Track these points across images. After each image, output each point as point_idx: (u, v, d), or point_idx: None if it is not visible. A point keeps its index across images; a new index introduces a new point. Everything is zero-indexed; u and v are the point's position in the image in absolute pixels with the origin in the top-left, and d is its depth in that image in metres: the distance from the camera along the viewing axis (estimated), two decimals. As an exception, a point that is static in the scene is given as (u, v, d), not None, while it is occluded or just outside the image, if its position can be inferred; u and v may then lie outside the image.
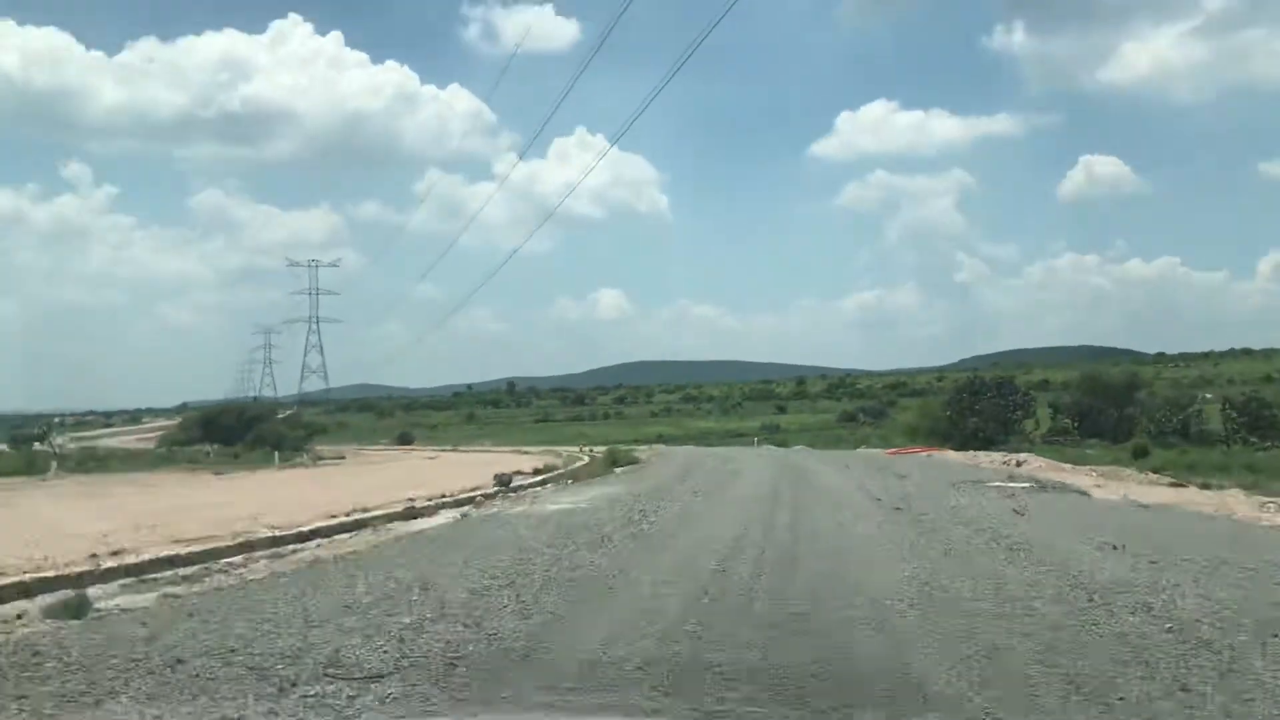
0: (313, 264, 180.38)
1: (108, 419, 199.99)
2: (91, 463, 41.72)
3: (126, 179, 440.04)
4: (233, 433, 62.65)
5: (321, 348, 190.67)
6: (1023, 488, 19.95)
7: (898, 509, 15.60)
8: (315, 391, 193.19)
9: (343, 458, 52.59)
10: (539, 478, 24.82)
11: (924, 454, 33.83)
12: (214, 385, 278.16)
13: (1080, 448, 35.49)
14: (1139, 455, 30.03)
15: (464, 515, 16.24)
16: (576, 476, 26.28)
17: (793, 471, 24.85)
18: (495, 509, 17.30)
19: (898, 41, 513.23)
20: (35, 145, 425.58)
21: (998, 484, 20.94)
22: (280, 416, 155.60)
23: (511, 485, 21.11)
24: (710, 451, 38.99)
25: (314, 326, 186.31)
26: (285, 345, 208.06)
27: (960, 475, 23.44)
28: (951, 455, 32.35)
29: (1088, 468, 26.00)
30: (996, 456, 29.85)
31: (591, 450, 48.10)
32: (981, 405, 38.00)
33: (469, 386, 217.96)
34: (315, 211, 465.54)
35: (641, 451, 40.31)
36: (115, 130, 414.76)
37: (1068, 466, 26.52)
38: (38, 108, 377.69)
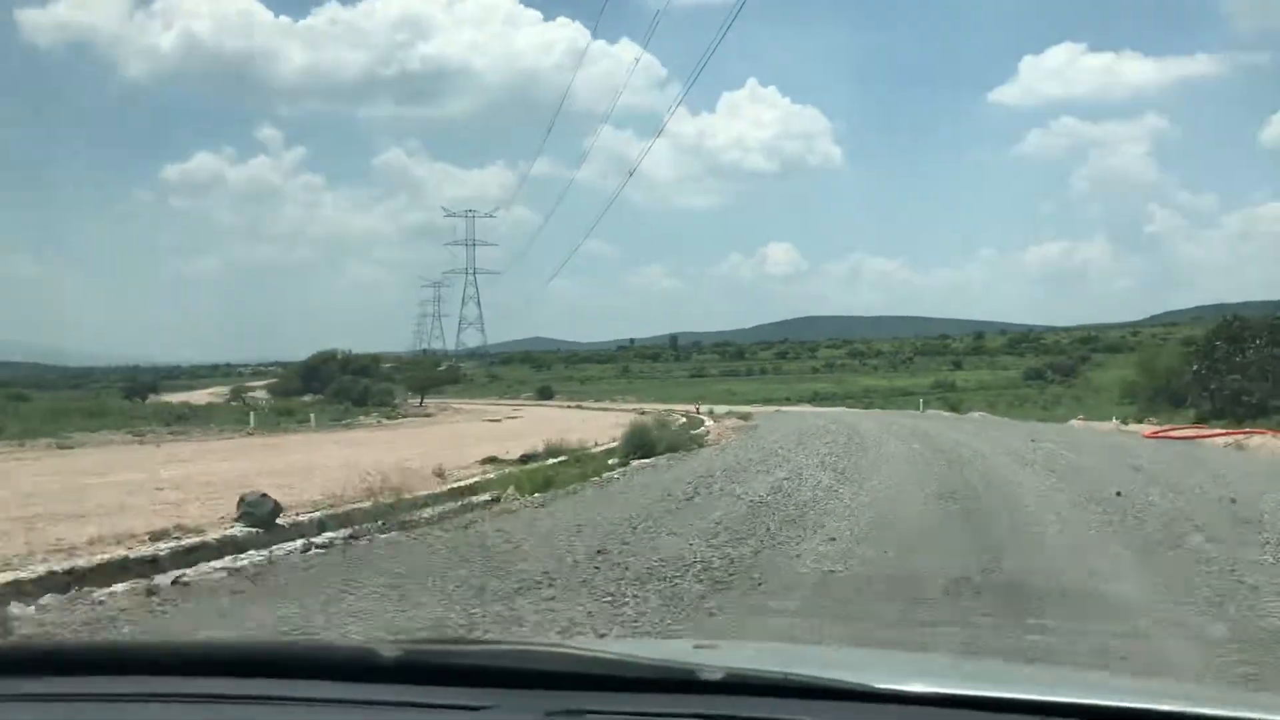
0: (469, 214, 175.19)
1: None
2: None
3: (314, 140, 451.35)
4: (331, 384, 55.75)
5: (479, 300, 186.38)
6: None
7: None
8: (475, 345, 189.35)
9: (430, 415, 44.36)
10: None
11: (1225, 438, 20.97)
12: (395, 338, 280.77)
13: None
14: None
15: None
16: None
17: (969, 502, 11.11)
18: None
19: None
20: (229, 109, 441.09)
21: None
22: (442, 369, 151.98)
23: (277, 522, 8.78)
24: (844, 423, 28.40)
25: (470, 279, 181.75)
26: (453, 298, 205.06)
27: None
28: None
29: None
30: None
31: (709, 411, 38.56)
32: (1249, 358, 25.75)
33: (632, 341, 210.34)
34: (491, 169, 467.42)
35: (722, 424, 29.97)
36: (303, 92, 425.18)
37: None
38: (230, 72, 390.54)
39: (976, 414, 42.11)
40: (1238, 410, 24.92)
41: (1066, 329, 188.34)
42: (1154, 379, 34.12)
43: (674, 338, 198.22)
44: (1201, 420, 25.72)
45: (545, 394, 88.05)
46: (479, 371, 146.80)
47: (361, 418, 37.42)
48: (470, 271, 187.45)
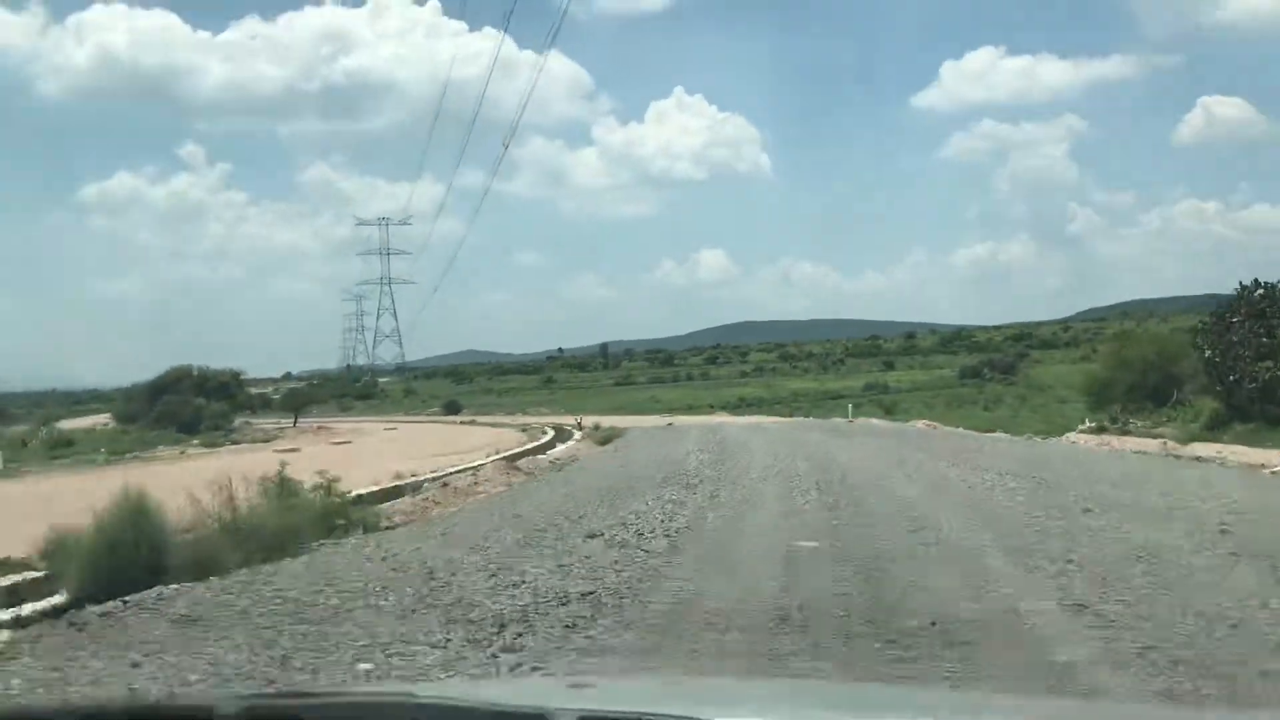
0: (383, 222, 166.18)
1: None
2: None
3: (237, 156, 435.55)
4: (181, 406, 47.51)
5: (395, 312, 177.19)
6: None
7: None
8: (392, 358, 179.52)
9: (271, 439, 36.47)
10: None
11: None
12: (325, 355, 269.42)
13: None
14: None
15: None
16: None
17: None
18: None
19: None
20: (149, 126, 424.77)
21: None
22: (359, 384, 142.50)
23: None
24: (733, 446, 21.05)
25: (386, 289, 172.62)
26: (375, 311, 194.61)
27: None
28: None
29: None
30: None
31: (594, 426, 31.64)
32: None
33: (560, 350, 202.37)
34: (418, 182, 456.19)
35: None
36: (224, 108, 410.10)
37: None
38: (149, 88, 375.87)
39: (920, 423, 35.37)
40: (1270, 409, 18.12)
41: (997, 327, 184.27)
42: (1130, 373, 27.38)
43: (604, 346, 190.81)
44: (1218, 423, 18.97)
45: (452, 409, 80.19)
46: (396, 387, 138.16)
47: (161, 449, 29.65)
48: (385, 282, 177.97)
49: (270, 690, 4.46)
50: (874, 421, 39.11)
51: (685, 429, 32.20)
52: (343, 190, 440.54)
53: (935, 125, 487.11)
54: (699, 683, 3.85)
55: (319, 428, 54.64)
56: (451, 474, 15.98)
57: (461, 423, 54.93)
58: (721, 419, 46.27)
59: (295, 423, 58.05)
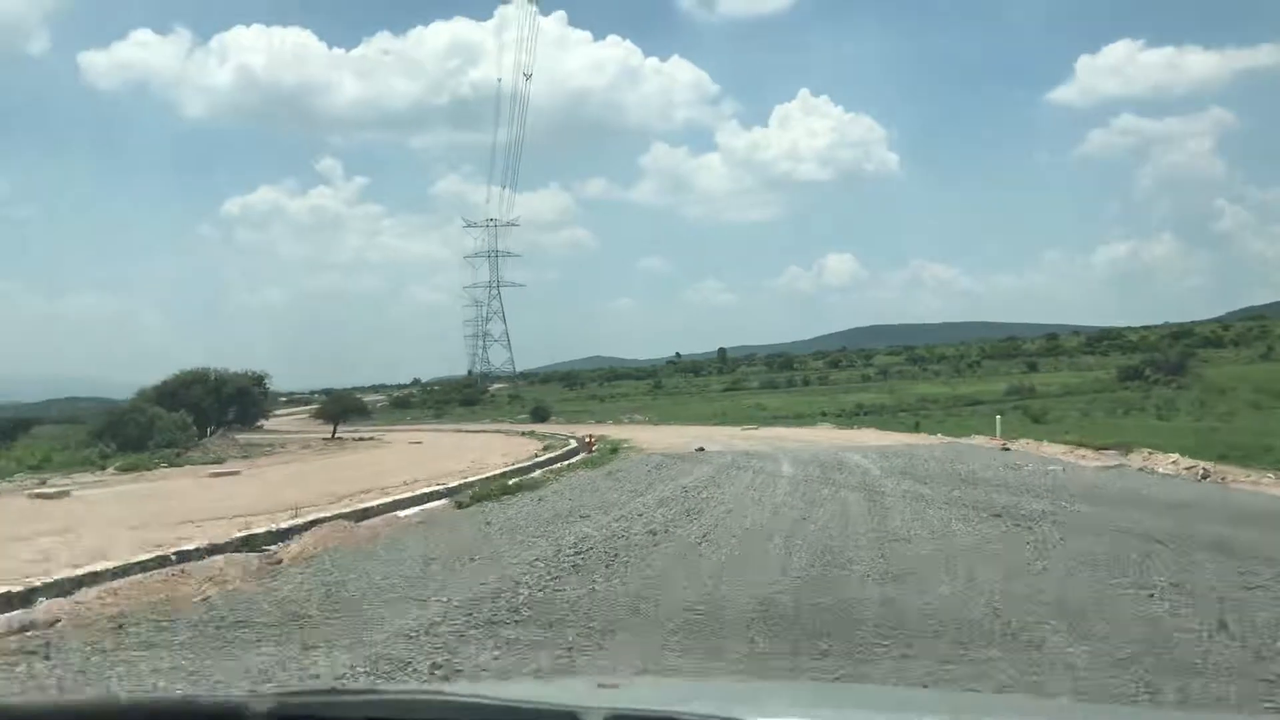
0: (491, 224, 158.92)
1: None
2: None
3: (372, 169, 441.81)
4: (202, 414, 40.01)
5: (504, 315, 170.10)
6: None
7: None
8: (502, 362, 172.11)
9: (220, 462, 27.96)
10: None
11: None
12: (456, 362, 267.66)
13: None
14: None
15: None
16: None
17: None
18: None
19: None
20: (287, 141, 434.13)
21: None
22: (467, 389, 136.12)
23: None
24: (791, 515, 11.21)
25: (495, 292, 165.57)
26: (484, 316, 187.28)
27: None
28: None
29: None
30: None
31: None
32: None
33: (678, 355, 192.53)
34: (544, 191, 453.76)
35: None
36: (358, 122, 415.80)
37: None
38: (287, 104, 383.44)
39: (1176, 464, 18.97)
40: None
41: (1147, 327, 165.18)
42: None
43: (722, 351, 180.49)
44: None
45: (539, 415, 71.67)
46: (503, 393, 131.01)
47: (63, 477, 21.33)
48: (494, 286, 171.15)
49: (300, 688, 4.39)
50: (1053, 461, 21.30)
51: (711, 457, 22.76)
52: (473, 201, 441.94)
53: (1071, 121, 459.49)
54: (726, 683, 4.05)
55: (360, 437, 46.74)
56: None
57: (518, 433, 46.04)
58: (809, 434, 35.47)
59: (334, 434, 50.19)
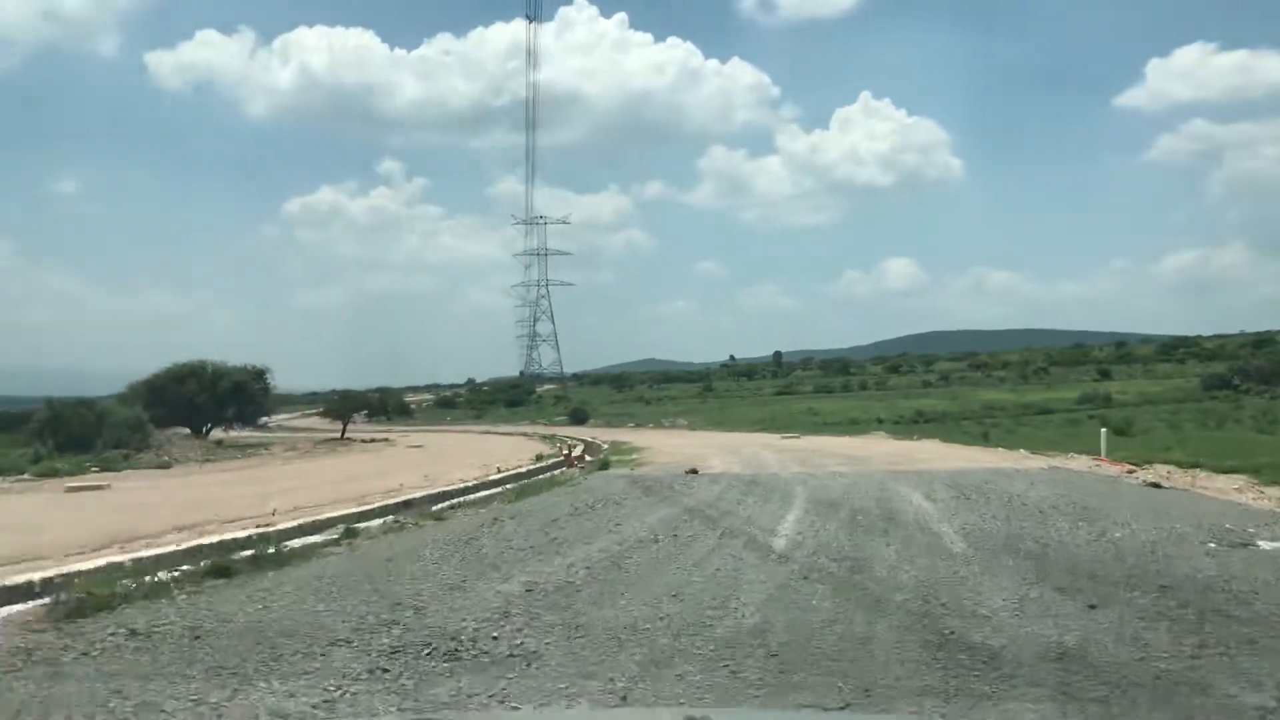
0: (540, 221, 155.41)
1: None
2: None
3: (431, 170, 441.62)
4: (197, 410, 36.52)
5: (552, 315, 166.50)
6: None
7: None
8: (549, 362, 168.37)
9: (167, 466, 24.15)
10: None
11: None
12: (511, 363, 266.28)
13: None
14: None
15: None
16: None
17: None
18: None
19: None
20: (348, 142, 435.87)
21: None
22: (515, 390, 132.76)
23: None
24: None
25: (543, 290, 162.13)
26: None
27: None
28: None
29: None
30: None
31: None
32: None
33: (732, 358, 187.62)
34: (604, 194, 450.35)
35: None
36: (418, 123, 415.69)
37: None
38: (348, 105, 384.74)
39: None
40: None
41: (1223, 336, 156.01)
42: None
43: (777, 354, 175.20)
44: None
45: (578, 417, 67.79)
46: (549, 394, 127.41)
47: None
48: (542, 284, 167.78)
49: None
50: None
51: (693, 489, 16.21)
52: (532, 202, 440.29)
53: (1140, 126, 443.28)
54: (814, 715, 3.83)
55: (369, 439, 43.08)
56: None
57: (526, 436, 42.05)
58: (858, 446, 30.38)
59: (343, 434, 46.69)
